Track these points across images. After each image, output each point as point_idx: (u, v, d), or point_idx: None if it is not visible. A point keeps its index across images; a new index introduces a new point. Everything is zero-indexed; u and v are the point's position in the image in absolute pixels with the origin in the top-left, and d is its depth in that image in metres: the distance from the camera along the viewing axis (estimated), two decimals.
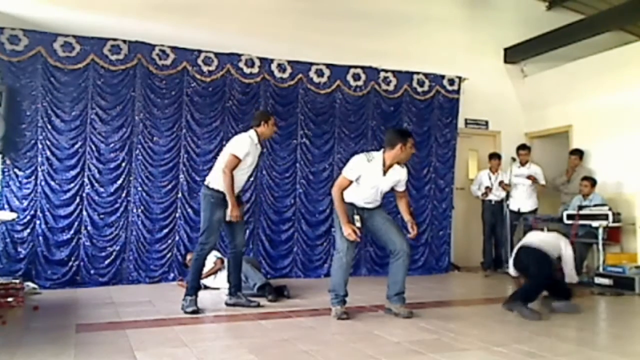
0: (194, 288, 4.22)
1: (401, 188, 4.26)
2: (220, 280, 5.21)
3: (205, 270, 5.34)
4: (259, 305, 4.37)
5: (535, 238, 4.65)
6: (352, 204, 4.12)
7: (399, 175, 4.17)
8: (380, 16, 7.20)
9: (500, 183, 6.86)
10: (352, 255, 4.13)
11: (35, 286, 5.13)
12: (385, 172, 4.08)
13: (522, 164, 6.96)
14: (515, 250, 4.65)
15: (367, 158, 4.07)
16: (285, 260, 6.36)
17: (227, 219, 4.22)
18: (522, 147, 7.10)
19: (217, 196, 4.20)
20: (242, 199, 4.55)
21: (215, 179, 4.25)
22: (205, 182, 4.37)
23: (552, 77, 7.68)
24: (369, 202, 4.16)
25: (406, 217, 4.23)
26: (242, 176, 4.32)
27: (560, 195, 7.17)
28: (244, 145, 4.23)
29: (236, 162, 4.19)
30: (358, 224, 4.07)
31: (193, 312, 4.09)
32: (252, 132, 4.38)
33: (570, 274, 4.52)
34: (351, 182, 4.05)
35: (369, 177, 4.05)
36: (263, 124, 4.39)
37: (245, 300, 4.41)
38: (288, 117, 6.48)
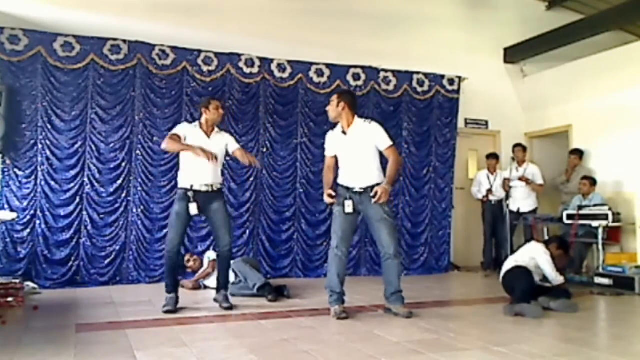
0: (167, 285, 4.25)
1: (382, 146, 4.10)
2: None
3: (200, 271, 5.37)
4: (231, 308, 4.26)
5: (511, 261, 4.80)
6: (346, 188, 4.13)
7: (366, 132, 4.11)
8: (380, 16, 7.20)
9: (505, 180, 6.82)
10: (344, 251, 4.09)
11: (35, 286, 5.12)
12: (345, 132, 4.14)
13: (519, 163, 6.95)
14: (501, 281, 4.77)
15: (332, 130, 4.30)
16: (285, 260, 6.36)
17: (193, 212, 4.19)
18: (516, 145, 7.07)
19: (178, 192, 4.31)
20: (219, 192, 4.39)
21: (179, 177, 4.35)
22: None
23: (552, 77, 7.68)
24: (357, 176, 4.08)
25: (386, 178, 4.03)
26: (200, 164, 4.18)
27: (561, 195, 7.18)
28: (176, 128, 4.38)
29: (171, 135, 4.25)
30: (349, 209, 4.05)
31: (168, 312, 4.07)
32: (195, 122, 4.44)
33: (552, 278, 4.63)
34: (332, 158, 4.25)
35: (336, 143, 4.22)
36: (205, 111, 4.36)
37: (222, 298, 4.34)
38: (288, 117, 6.48)
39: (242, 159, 4.36)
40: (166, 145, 4.23)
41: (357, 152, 4.10)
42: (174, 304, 4.17)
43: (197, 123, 4.41)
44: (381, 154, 4.16)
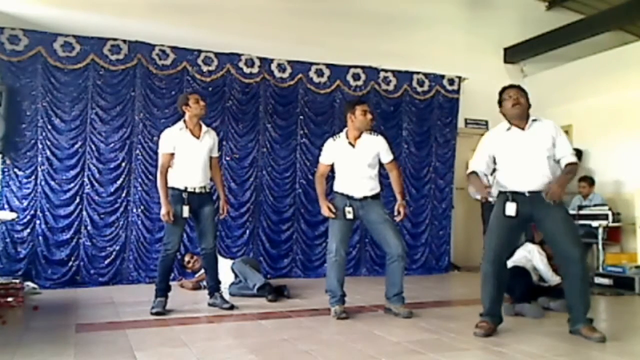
0: (161, 290, 4.17)
1: (386, 159, 4.17)
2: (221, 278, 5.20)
3: (201, 271, 5.36)
4: (232, 307, 4.26)
5: (508, 262, 4.77)
6: (346, 195, 4.12)
7: (373, 145, 4.13)
8: (380, 16, 7.19)
9: None
10: (343, 255, 4.09)
11: (35, 286, 5.12)
12: (353, 145, 4.10)
13: None
14: None
15: (333, 138, 4.25)
16: (285, 260, 6.36)
17: (185, 215, 4.14)
18: None
19: (173, 193, 4.16)
20: (210, 194, 4.36)
21: (171, 177, 4.21)
22: None
23: (552, 77, 7.69)
24: (359, 186, 4.09)
25: (397, 195, 4.19)
26: (191, 166, 4.18)
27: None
28: (162, 141, 4.23)
29: (164, 159, 4.17)
30: (350, 216, 4.07)
31: (157, 314, 4.02)
32: (178, 123, 4.29)
33: (548, 278, 4.66)
34: (328, 166, 4.22)
35: (340, 153, 4.16)
36: (186, 109, 4.24)
37: (220, 300, 4.32)
38: (288, 117, 6.48)
39: (213, 171, 4.37)
40: (158, 181, 4.19)
41: (364, 164, 4.11)
42: (163, 307, 4.13)
43: (181, 124, 4.24)
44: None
